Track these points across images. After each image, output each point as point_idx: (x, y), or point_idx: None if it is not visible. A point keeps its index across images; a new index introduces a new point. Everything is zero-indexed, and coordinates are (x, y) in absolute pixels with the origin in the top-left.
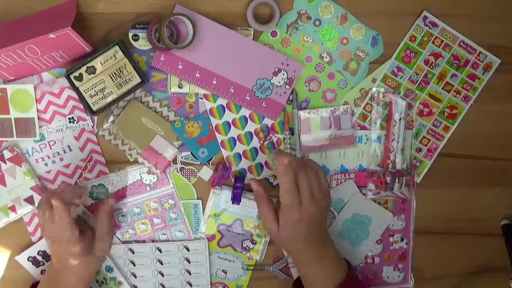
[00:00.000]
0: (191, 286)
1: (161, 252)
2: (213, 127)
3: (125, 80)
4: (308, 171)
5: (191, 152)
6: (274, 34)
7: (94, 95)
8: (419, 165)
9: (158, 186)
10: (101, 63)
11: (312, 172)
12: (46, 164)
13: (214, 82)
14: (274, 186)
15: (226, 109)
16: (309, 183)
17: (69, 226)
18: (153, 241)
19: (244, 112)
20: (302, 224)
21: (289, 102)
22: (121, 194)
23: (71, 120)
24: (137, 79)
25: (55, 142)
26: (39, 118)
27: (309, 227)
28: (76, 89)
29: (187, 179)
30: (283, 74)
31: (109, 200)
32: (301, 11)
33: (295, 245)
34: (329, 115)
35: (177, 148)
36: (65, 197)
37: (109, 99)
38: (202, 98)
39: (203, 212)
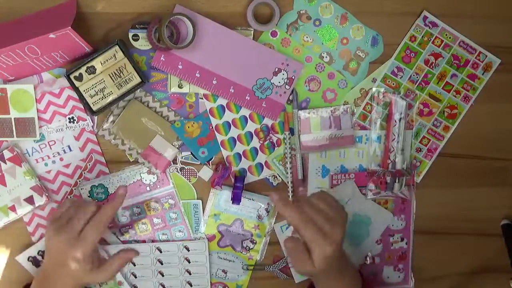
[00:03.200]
0: (191, 286)
1: (161, 252)
2: (213, 127)
3: (125, 80)
4: (308, 201)
5: (191, 152)
6: (274, 34)
7: (94, 95)
8: (419, 165)
9: (158, 186)
10: (101, 63)
11: (312, 200)
12: (46, 164)
13: (214, 82)
14: (274, 186)
15: (226, 109)
16: (317, 210)
17: (101, 229)
18: (153, 241)
19: (244, 112)
20: (335, 254)
21: (289, 102)
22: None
23: (71, 120)
24: (137, 79)
25: (55, 142)
26: (39, 118)
27: (339, 253)
28: (76, 89)
29: (187, 179)
30: (283, 74)
31: (132, 253)
32: (301, 11)
33: (326, 274)
34: (329, 115)
35: (177, 148)
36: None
37: (109, 99)
38: (202, 98)
39: (203, 212)
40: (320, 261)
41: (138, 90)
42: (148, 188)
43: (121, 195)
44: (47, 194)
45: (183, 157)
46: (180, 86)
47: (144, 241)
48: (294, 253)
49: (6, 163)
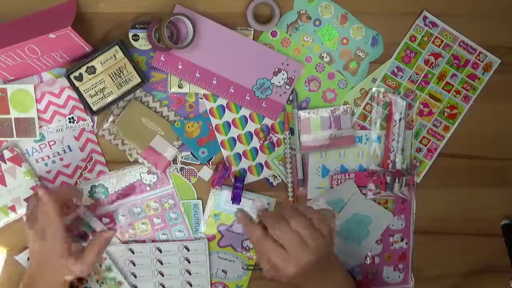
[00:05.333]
0: (191, 286)
1: (161, 252)
2: (213, 127)
3: (125, 80)
4: (290, 220)
5: (191, 152)
6: (274, 34)
7: (94, 95)
8: (419, 165)
9: (158, 186)
10: (101, 63)
11: (294, 218)
12: (46, 164)
13: (214, 82)
14: (274, 186)
15: (226, 109)
16: (286, 230)
17: (58, 226)
18: (153, 241)
19: (244, 112)
20: (299, 275)
21: (289, 102)
22: (121, 194)
23: (71, 120)
24: (137, 79)
25: (55, 142)
26: (39, 118)
27: (308, 271)
28: (76, 89)
29: (187, 179)
30: (283, 74)
31: (109, 232)
32: (301, 11)
33: (301, 280)
34: (329, 115)
35: (177, 148)
36: (60, 195)
37: (109, 99)
38: (202, 98)
39: (203, 212)
40: (284, 278)
41: (138, 90)
42: (148, 188)
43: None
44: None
45: (183, 157)
46: (180, 86)
47: (144, 241)
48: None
49: (6, 163)
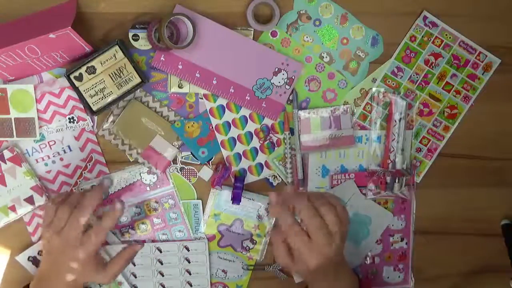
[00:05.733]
0: (191, 286)
1: (161, 252)
2: (213, 127)
3: (125, 80)
4: (319, 207)
5: (191, 152)
6: (274, 34)
7: (94, 95)
8: (419, 165)
9: (158, 186)
10: (101, 63)
11: (324, 204)
12: (46, 164)
13: (214, 82)
14: (274, 186)
15: (226, 109)
16: (314, 217)
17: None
18: (153, 241)
19: (244, 112)
20: (319, 268)
21: (289, 102)
22: (121, 194)
23: (71, 120)
24: (137, 79)
25: (55, 142)
26: (39, 118)
27: (326, 264)
28: (76, 89)
29: (187, 179)
30: (283, 74)
31: (137, 246)
32: (301, 11)
33: (311, 277)
34: (329, 115)
35: (177, 148)
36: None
37: (109, 99)
38: (202, 98)
39: (203, 212)
40: (302, 271)
41: (138, 90)
42: (148, 188)
43: (119, 209)
44: (47, 194)
45: (183, 157)
46: (180, 86)
47: (144, 241)
48: (277, 254)
49: (6, 163)
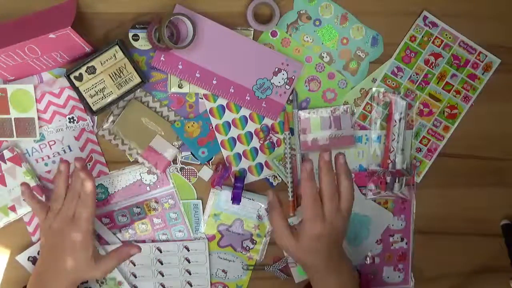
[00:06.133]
0: (191, 286)
1: (161, 252)
2: (213, 127)
3: (125, 80)
4: (340, 177)
5: (191, 152)
6: (274, 34)
7: (94, 95)
8: (419, 165)
9: (158, 186)
10: (101, 63)
11: (345, 177)
12: (46, 164)
13: (214, 82)
14: (274, 186)
15: (226, 109)
16: (332, 193)
17: (90, 225)
18: (153, 241)
19: (244, 112)
20: (324, 238)
21: (289, 102)
22: (121, 194)
23: (71, 120)
24: (137, 79)
25: (55, 142)
26: (39, 118)
27: (330, 241)
28: (76, 89)
29: (187, 179)
30: (283, 74)
31: (135, 248)
32: (301, 11)
33: (315, 260)
34: (329, 115)
35: (177, 148)
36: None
37: (109, 99)
38: (202, 98)
39: (203, 212)
40: (304, 236)
41: (138, 90)
42: (148, 188)
43: (81, 165)
44: (47, 194)
45: (183, 157)
46: (180, 86)
47: (144, 241)
48: (275, 217)
49: (6, 163)
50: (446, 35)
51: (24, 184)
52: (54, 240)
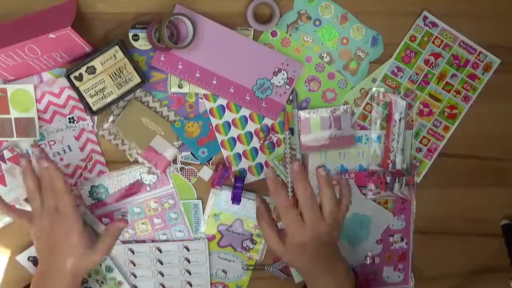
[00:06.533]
0: (191, 286)
1: (161, 252)
2: (213, 127)
3: (125, 80)
4: (320, 186)
5: (191, 152)
6: (274, 34)
7: (94, 95)
8: (419, 165)
9: (158, 186)
10: (101, 63)
11: (325, 185)
12: None
13: (214, 82)
14: None
15: (226, 109)
16: (308, 197)
17: (77, 214)
18: (153, 241)
19: (244, 112)
20: (309, 245)
21: (289, 102)
22: (121, 194)
23: (71, 120)
24: (137, 79)
25: (55, 142)
26: (39, 118)
27: (317, 247)
28: (76, 89)
29: (187, 179)
30: (283, 74)
31: (122, 222)
32: (301, 11)
33: (302, 263)
34: (329, 115)
35: (177, 148)
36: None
37: (109, 99)
38: (202, 98)
39: (203, 212)
40: (288, 242)
41: (138, 90)
42: (148, 188)
43: (39, 151)
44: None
45: (183, 157)
46: (180, 86)
47: (144, 241)
48: (263, 222)
49: (6, 163)
50: (446, 35)
51: None
52: (48, 239)
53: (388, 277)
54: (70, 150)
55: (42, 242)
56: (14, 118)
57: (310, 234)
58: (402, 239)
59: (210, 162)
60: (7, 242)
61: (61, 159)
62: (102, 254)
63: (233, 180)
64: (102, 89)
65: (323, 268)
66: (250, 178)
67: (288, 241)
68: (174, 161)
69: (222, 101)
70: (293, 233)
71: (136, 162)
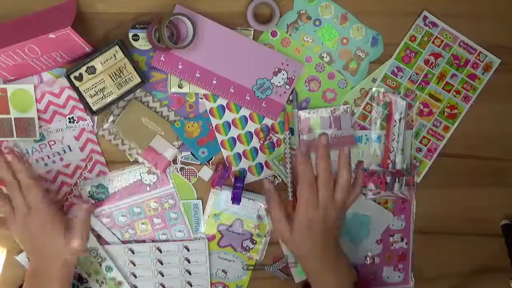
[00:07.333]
0: (191, 286)
1: (161, 252)
2: (213, 127)
3: (125, 80)
4: (339, 167)
5: (191, 152)
6: (274, 34)
7: (94, 95)
8: (419, 165)
9: (158, 186)
10: (101, 63)
11: (343, 168)
12: (46, 164)
13: (214, 82)
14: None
15: (226, 109)
16: (330, 178)
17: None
18: (153, 241)
19: (244, 112)
20: (317, 225)
21: (289, 102)
22: (121, 194)
23: (71, 120)
24: (137, 79)
25: (55, 142)
26: (39, 118)
27: (324, 230)
28: (76, 89)
29: (187, 179)
30: (283, 74)
31: (85, 204)
32: (301, 11)
33: (309, 247)
34: (329, 115)
35: (177, 148)
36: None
37: (109, 99)
38: (202, 98)
39: (203, 212)
40: (298, 221)
41: (138, 90)
42: (148, 188)
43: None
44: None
45: (183, 157)
46: (180, 86)
47: (144, 241)
48: (273, 204)
49: None
50: (446, 35)
51: None
52: (29, 238)
53: (388, 277)
54: (70, 150)
55: (25, 243)
56: (14, 118)
57: (320, 213)
58: (402, 239)
59: (210, 162)
60: (6, 241)
61: (61, 159)
62: (79, 240)
63: (233, 180)
64: (102, 89)
65: (327, 260)
66: (250, 178)
67: (296, 221)
68: (174, 161)
69: (222, 101)
70: (303, 210)
71: (136, 162)
